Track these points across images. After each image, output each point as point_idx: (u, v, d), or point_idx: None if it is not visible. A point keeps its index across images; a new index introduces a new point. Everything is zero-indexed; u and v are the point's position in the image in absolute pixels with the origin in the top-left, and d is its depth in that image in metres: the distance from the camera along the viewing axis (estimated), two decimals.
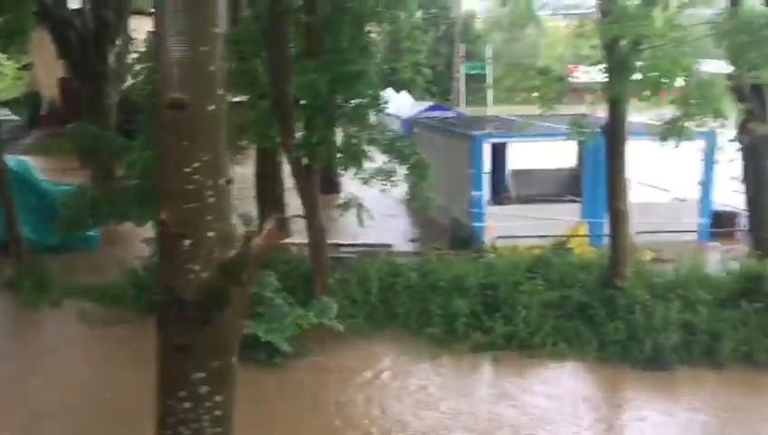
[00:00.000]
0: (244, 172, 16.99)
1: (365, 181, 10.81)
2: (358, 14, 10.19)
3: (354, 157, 10.54)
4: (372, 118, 11.33)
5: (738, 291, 10.27)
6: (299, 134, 10.61)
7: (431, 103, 30.20)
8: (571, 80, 12.13)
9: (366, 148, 10.75)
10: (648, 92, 8.80)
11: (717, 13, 9.28)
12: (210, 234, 4.31)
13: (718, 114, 8.79)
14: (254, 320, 9.50)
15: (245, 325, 9.19)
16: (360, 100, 10.60)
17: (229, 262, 4.35)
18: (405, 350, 10.36)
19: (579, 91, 12.09)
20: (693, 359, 9.74)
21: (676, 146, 9.45)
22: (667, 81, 8.66)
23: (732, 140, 11.41)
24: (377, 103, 10.75)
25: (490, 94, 42.94)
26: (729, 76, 9.88)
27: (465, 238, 14.54)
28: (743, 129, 11.46)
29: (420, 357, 10.11)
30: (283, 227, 14.20)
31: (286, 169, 12.81)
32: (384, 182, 10.72)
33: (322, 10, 10.27)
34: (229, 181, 4.40)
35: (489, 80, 41.08)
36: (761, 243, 11.85)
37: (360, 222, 10.95)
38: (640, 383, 9.47)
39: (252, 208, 13.73)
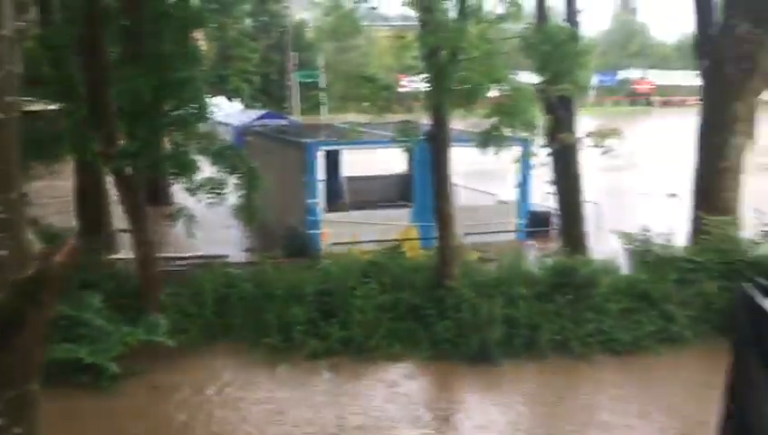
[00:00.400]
0: (66, 185, 15.91)
1: (192, 193, 10.48)
2: (181, 18, 9.88)
3: (182, 166, 10.20)
4: (201, 126, 11.05)
5: (553, 285, 11.11)
6: (122, 143, 10.10)
7: (264, 112, 30.02)
8: (401, 89, 12.56)
9: (195, 157, 10.46)
10: (465, 102, 9.31)
11: (526, 27, 10.01)
12: (1, 252, 3.95)
13: (529, 123, 9.49)
14: (76, 342, 8.94)
15: (63, 348, 8.70)
16: (186, 107, 10.27)
17: (24, 282, 4.00)
18: (243, 362, 10.20)
19: (409, 100, 12.55)
20: (516, 351, 10.40)
21: (495, 153, 10.07)
22: (480, 90, 9.22)
23: (543, 147, 12.33)
24: (204, 111, 10.48)
25: (324, 103, 43.46)
26: (538, 87, 10.67)
27: (301, 246, 14.56)
28: (552, 136, 12.44)
29: (259, 368, 10.01)
30: (106, 242, 13.48)
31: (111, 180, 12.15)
32: (212, 194, 10.44)
33: (144, 14, 9.84)
34: (22, 195, 4.06)
35: (323, 88, 41.50)
36: (570, 240, 12.92)
37: (190, 234, 10.61)
38: (471, 378, 9.98)
39: (73, 223, 12.89)
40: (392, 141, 11.30)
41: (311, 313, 10.71)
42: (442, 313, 10.69)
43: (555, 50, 9.23)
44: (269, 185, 11.38)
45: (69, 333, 9.24)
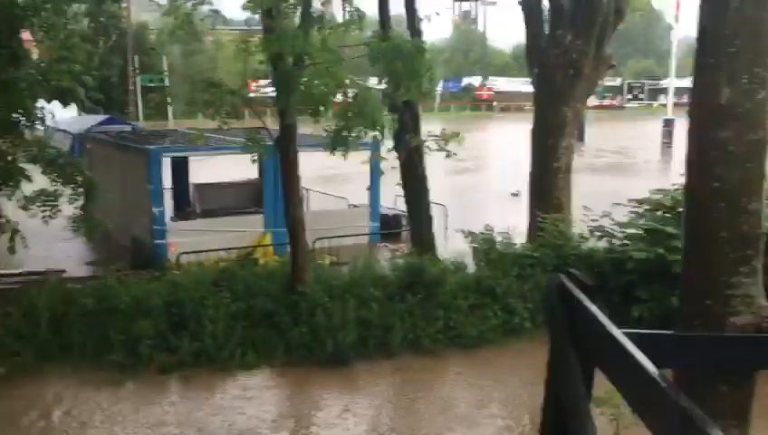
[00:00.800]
0: None
1: (23, 207, 9.72)
2: (6, 17, 9.15)
3: (7, 176, 9.43)
4: (33, 132, 10.30)
5: (404, 285, 11.42)
6: None
7: (105, 117, 28.49)
8: (252, 94, 12.39)
9: (24, 166, 9.74)
10: (312, 107, 9.35)
11: (371, 35, 10.23)
12: None
13: (375, 126, 9.69)
14: None
15: None
16: (11, 112, 9.52)
17: None
18: (84, 382, 9.62)
19: (256, 106, 12.37)
20: (369, 352, 10.59)
21: (343, 155, 10.18)
22: (326, 96, 9.31)
23: (390, 150, 12.65)
24: (32, 116, 9.76)
25: (171, 108, 41.88)
26: (384, 92, 10.93)
27: (147, 257, 13.98)
28: (398, 140, 12.79)
29: (102, 388, 9.48)
30: None
31: None
32: (45, 208, 9.72)
33: None
34: None
35: (167, 93, 39.97)
36: (420, 241, 13.36)
37: (11, 249, 9.78)
38: (326, 382, 10.01)
39: None
40: (241, 148, 11.09)
41: (159, 326, 10.29)
42: (296, 318, 10.67)
43: (398, 58, 9.49)
44: (111, 194, 10.82)
45: None
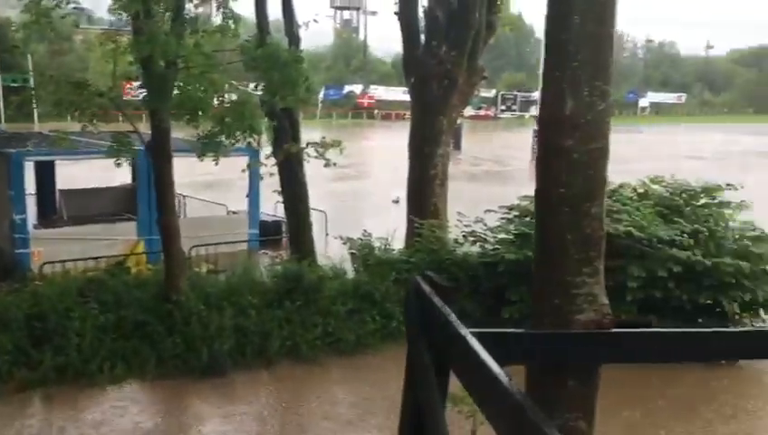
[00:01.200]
0: None
1: None
2: None
3: None
4: None
5: (282, 292, 11.34)
6: None
7: None
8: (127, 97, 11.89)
9: None
10: (187, 111, 9.11)
11: (247, 40, 10.10)
12: None
13: (252, 131, 9.58)
14: None
15: None
16: None
17: None
18: None
19: (127, 109, 11.89)
20: (247, 360, 10.43)
21: (215, 162, 9.96)
22: (201, 101, 9.13)
23: (269, 156, 12.53)
24: None
25: (36, 109, 39.39)
26: (262, 99, 10.82)
27: (7, 267, 13.10)
28: (277, 146, 12.71)
29: None
30: None
31: None
32: None
33: None
34: None
35: (32, 93, 37.57)
36: (299, 247, 13.31)
37: None
38: (201, 393, 9.76)
39: None
40: (111, 151, 10.59)
41: (18, 340, 9.67)
42: (170, 328, 10.34)
43: (274, 66, 9.45)
44: None
45: None
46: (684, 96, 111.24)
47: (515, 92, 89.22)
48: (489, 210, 13.16)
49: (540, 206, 3.38)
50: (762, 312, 11.41)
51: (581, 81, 3.17)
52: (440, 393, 2.66)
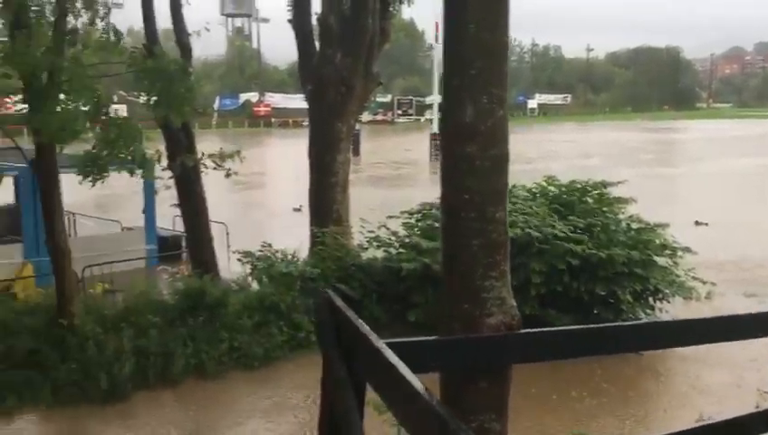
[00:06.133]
0: None
1: None
2: None
3: None
4: None
5: (185, 309, 10.98)
6: None
7: None
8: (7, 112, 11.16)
9: None
10: (69, 127, 8.66)
11: (134, 52, 9.69)
12: None
13: (134, 158, 9.22)
14: None
15: None
16: None
17: None
18: None
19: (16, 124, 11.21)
20: (149, 382, 10.02)
21: (98, 180, 9.48)
22: (83, 115, 8.73)
23: (165, 169, 12.10)
24: None
25: None
26: (155, 111, 10.43)
27: None
28: (172, 158, 12.30)
29: None
30: None
31: None
32: None
33: None
34: None
35: None
36: (200, 262, 12.94)
37: None
38: (101, 420, 9.30)
39: None
40: None
41: None
42: (64, 355, 9.80)
43: (162, 79, 9.15)
44: None
45: None
46: (569, 97, 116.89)
47: (410, 97, 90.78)
48: (391, 216, 13.27)
49: (445, 212, 3.41)
50: (651, 300, 12.06)
51: (480, 88, 3.23)
52: (357, 406, 2.62)
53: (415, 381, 2.17)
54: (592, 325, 4.15)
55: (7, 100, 12.57)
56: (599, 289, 11.30)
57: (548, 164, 25.68)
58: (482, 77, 3.21)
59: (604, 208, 12.45)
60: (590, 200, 12.68)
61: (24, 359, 9.76)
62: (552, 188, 13.12)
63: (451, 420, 1.91)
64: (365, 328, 2.51)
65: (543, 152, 42.12)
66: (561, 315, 10.87)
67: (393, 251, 12.71)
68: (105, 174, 9.11)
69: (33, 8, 8.58)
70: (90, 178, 9.17)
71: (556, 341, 3.38)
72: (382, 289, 12.08)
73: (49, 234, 10.10)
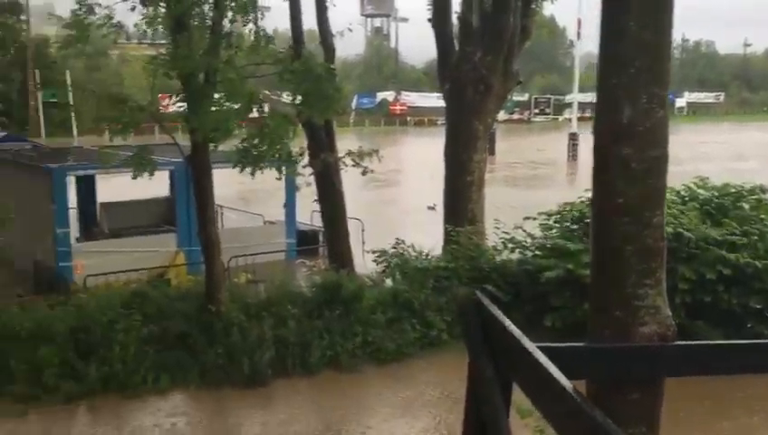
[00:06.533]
0: None
1: None
2: None
3: None
4: None
5: (321, 302, 11.34)
6: None
7: (2, 134, 27.05)
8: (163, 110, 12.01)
9: None
10: (223, 124, 9.20)
11: (281, 53, 10.12)
12: None
13: (281, 156, 9.65)
14: None
15: None
16: None
17: None
18: None
19: (166, 121, 12.03)
20: (288, 370, 10.43)
21: (252, 175, 9.98)
22: (237, 113, 9.21)
23: (306, 166, 12.54)
24: None
25: (74, 124, 40.34)
26: (299, 109, 10.84)
27: (50, 281, 13.33)
28: (314, 156, 12.74)
29: (2, 421, 8.93)
30: None
31: None
32: None
33: None
34: None
35: (71, 109, 38.44)
36: (336, 257, 13.30)
37: None
38: (244, 403, 9.78)
39: None
40: (135, 164, 10.67)
41: (64, 353, 9.81)
42: (211, 339, 10.40)
43: (308, 80, 9.50)
44: (11, 216, 10.24)
45: None
46: (722, 95, 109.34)
47: (549, 96, 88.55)
48: (528, 217, 13.00)
49: (597, 216, 3.28)
50: None
51: (639, 88, 3.08)
52: (504, 406, 2.59)
53: (566, 382, 2.11)
54: (755, 341, 3.86)
55: (165, 99, 13.51)
56: (753, 302, 10.49)
57: (698, 166, 24.14)
58: (642, 76, 3.07)
59: (762, 216, 11.53)
60: (745, 206, 11.78)
61: (176, 341, 10.46)
62: (701, 192, 12.32)
63: (604, 422, 1.84)
64: (514, 328, 2.47)
65: (694, 154, 39.62)
66: (710, 328, 10.18)
67: (529, 254, 12.45)
68: (262, 164, 9.56)
69: (193, 14, 9.15)
70: (249, 170, 9.67)
71: (713, 355, 3.17)
72: (516, 291, 11.87)
73: (201, 225, 10.74)
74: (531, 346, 2.34)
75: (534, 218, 12.96)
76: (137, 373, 9.82)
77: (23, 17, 42.43)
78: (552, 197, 13.48)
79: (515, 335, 2.43)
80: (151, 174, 10.23)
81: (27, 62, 43.53)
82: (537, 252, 12.25)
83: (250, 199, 21.28)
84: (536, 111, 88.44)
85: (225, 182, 14.39)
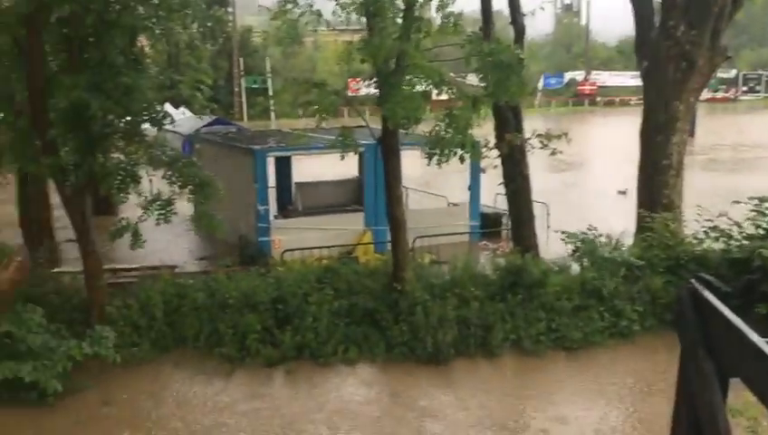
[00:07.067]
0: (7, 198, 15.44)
1: (144, 207, 10.19)
2: (127, 27, 9.63)
3: (126, 178, 9.96)
4: (151, 135, 10.80)
5: (504, 285, 11.26)
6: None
7: (212, 118, 29.57)
8: (349, 93, 12.53)
9: (143, 167, 10.27)
10: (413, 106, 9.38)
11: (470, 35, 10.05)
12: None
13: (464, 147, 9.66)
14: (19, 359, 8.72)
15: (5, 367, 8.46)
16: (133, 116, 10.03)
17: None
18: (197, 372, 10.04)
19: (357, 105, 12.48)
20: (470, 351, 10.52)
21: (443, 157, 10.07)
22: (426, 96, 9.34)
23: (491, 148, 12.43)
24: (153, 119, 10.24)
25: (273, 108, 43.16)
26: (485, 91, 10.75)
27: (252, 254, 14.42)
28: (500, 138, 12.60)
29: (212, 378, 9.87)
30: (51, 254, 13.10)
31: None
32: (162, 212, 10.13)
33: (87, 21, 9.53)
34: None
35: (270, 94, 41.12)
36: (521, 240, 13.10)
37: (134, 245, 10.28)
38: (426, 379, 10.01)
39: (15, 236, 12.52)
40: (337, 145, 11.19)
41: (265, 321, 10.61)
42: (396, 316, 10.73)
43: (497, 61, 9.39)
44: (221, 194, 11.17)
45: (11, 350, 8.97)
46: None
47: (760, 72, 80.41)
48: (737, 202, 11.94)
49: None
50: None
51: None
52: (722, 404, 2.41)
53: None
54: None
55: (353, 83, 14.01)
56: None
57: None
58: None
59: None
60: None
61: (363, 316, 10.92)
62: None
63: None
64: (738, 321, 2.28)
65: None
66: None
67: (734, 242, 11.47)
68: (448, 153, 9.67)
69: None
70: (437, 159, 9.83)
71: None
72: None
73: (389, 205, 11.06)
74: (761, 342, 2.15)
75: (746, 203, 11.86)
76: (328, 344, 10.40)
77: (229, 9, 46.01)
78: (758, 183, 12.23)
79: (741, 329, 2.24)
80: (348, 156, 10.67)
81: (233, 50, 47.24)
82: (744, 242, 11.25)
83: (432, 181, 21.54)
84: (744, 88, 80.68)
85: (409, 164, 14.63)
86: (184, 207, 11.07)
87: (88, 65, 9.55)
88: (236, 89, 47.38)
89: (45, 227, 14.43)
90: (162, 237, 14.86)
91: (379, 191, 14.89)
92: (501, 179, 13.51)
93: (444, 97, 11.13)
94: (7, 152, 10.63)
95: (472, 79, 11.03)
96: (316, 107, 10.28)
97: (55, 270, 12.40)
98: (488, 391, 9.81)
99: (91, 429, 8.62)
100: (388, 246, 12.86)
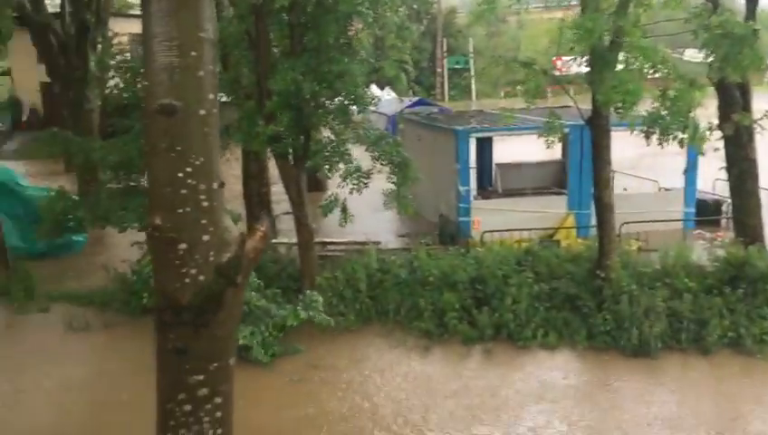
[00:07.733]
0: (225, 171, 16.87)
1: (344, 178, 10.72)
2: (342, 12, 10.14)
3: (338, 155, 10.54)
4: (357, 116, 11.32)
5: (723, 278, 10.40)
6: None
7: (415, 99, 30.21)
8: (555, 72, 12.14)
9: (350, 146, 10.78)
10: (626, 86, 8.87)
11: (695, 9, 9.30)
12: (205, 238, 4.31)
13: (685, 128, 8.96)
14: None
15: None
16: (344, 98, 10.57)
17: (225, 265, 4.37)
18: (396, 345, 10.42)
19: (565, 84, 12.09)
20: (681, 345, 9.88)
21: (660, 144, 9.49)
22: (641, 76, 8.80)
23: (714, 130, 11.44)
24: (362, 101, 10.72)
25: (474, 89, 43.14)
26: (710, 69, 9.93)
27: (452, 233, 14.60)
28: (725, 118, 11.54)
29: (411, 352, 10.19)
30: (272, 226, 14.24)
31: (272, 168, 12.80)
32: (357, 182, 10.59)
33: (306, 8, 10.19)
34: (221, 185, 4.39)
35: (472, 74, 41.14)
36: (745, 230, 11.96)
37: (343, 222, 10.88)
38: (628, 371, 9.55)
39: (238, 207, 13.73)
40: (545, 127, 10.92)
41: (464, 299, 10.74)
42: (599, 304, 10.36)
43: (725, 41, 8.59)
44: (421, 174, 11.41)
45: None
46: None
47: None
48: None
49: None
50: None
51: None
52: None
53: None
54: None
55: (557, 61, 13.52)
56: None
57: None
58: None
59: None
60: None
61: (564, 302, 10.66)
62: None
63: None
64: None
65: None
66: None
67: None
68: (669, 135, 9.10)
69: None
70: (656, 139, 9.31)
71: None
72: None
73: (597, 188, 10.64)
74: None
75: None
76: (527, 327, 10.28)
77: None
78: None
79: None
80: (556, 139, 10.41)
81: (437, 31, 47.72)
82: None
83: (639, 164, 20.26)
84: None
85: (618, 147, 13.87)
86: (383, 184, 11.46)
87: (306, 50, 10.21)
88: (438, 69, 47.89)
89: (265, 201, 15.66)
90: (366, 214, 15.50)
91: (583, 174, 14.35)
92: (719, 163, 12.41)
93: (656, 75, 10.43)
94: (235, 132, 11.66)
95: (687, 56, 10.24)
96: (522, 87, 10.12)
97: (273, 241, 13.45)
98: (701, 390, 9.15)
99: (302, 388, 9.28)
100: (592, 231, 12.38)
